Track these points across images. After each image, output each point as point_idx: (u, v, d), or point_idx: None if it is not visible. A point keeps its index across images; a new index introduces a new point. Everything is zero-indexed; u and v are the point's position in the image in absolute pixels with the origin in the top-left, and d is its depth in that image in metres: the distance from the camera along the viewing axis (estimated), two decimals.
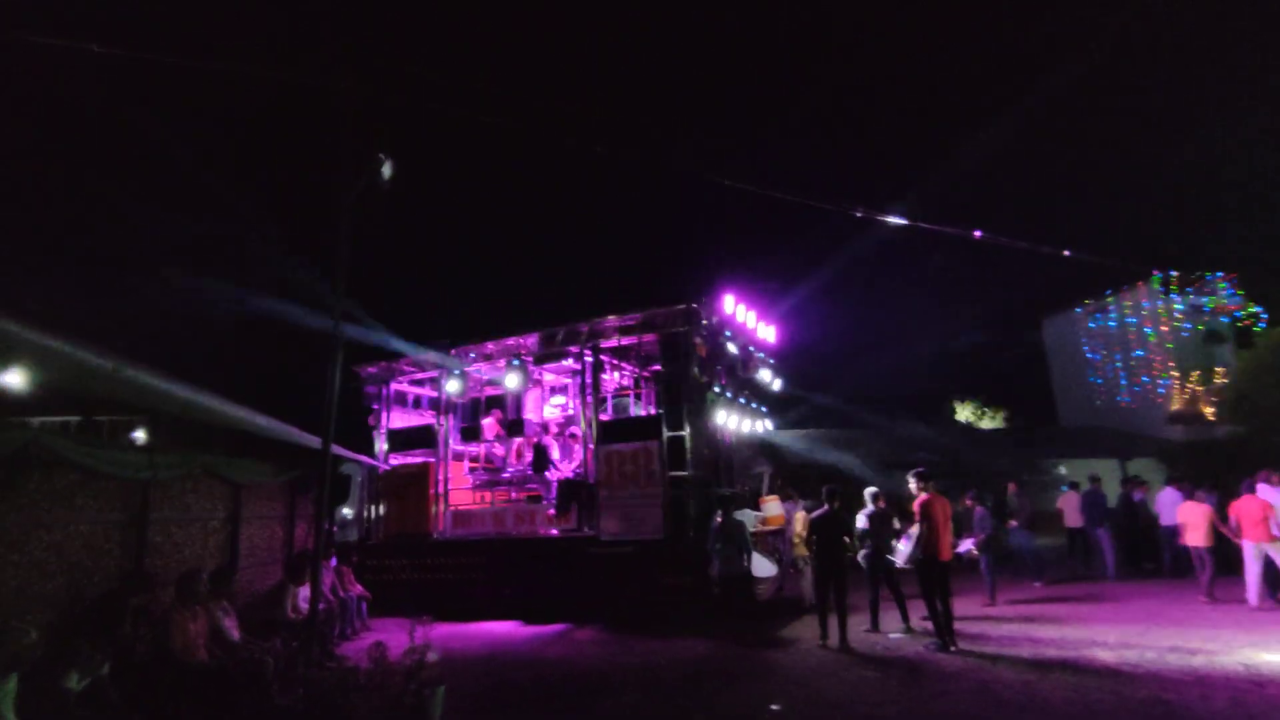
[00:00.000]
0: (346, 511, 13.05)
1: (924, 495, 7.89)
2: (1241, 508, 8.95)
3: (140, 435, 7.77)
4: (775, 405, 13.27)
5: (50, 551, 5.55)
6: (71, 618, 5.60)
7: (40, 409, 6.88)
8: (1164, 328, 28.43)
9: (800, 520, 10.13)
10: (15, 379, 6.28)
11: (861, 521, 8.63)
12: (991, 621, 8.76)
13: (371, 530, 12.65)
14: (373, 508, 12.77)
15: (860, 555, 8.64)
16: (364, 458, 12.54)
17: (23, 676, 4.29)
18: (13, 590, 5.15)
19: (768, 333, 12.61)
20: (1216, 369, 26.34)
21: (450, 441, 12.59)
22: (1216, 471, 14.23)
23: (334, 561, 9.96)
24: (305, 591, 7.77)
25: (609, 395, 11.98)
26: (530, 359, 11.92)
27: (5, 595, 5.08)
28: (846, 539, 8.19)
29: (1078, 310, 31.70)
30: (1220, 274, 28.48)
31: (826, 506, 8.13)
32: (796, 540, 10.20)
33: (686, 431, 10.28)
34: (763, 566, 10.12)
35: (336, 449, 9.72)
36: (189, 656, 5.84)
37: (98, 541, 6.11)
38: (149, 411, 7.50)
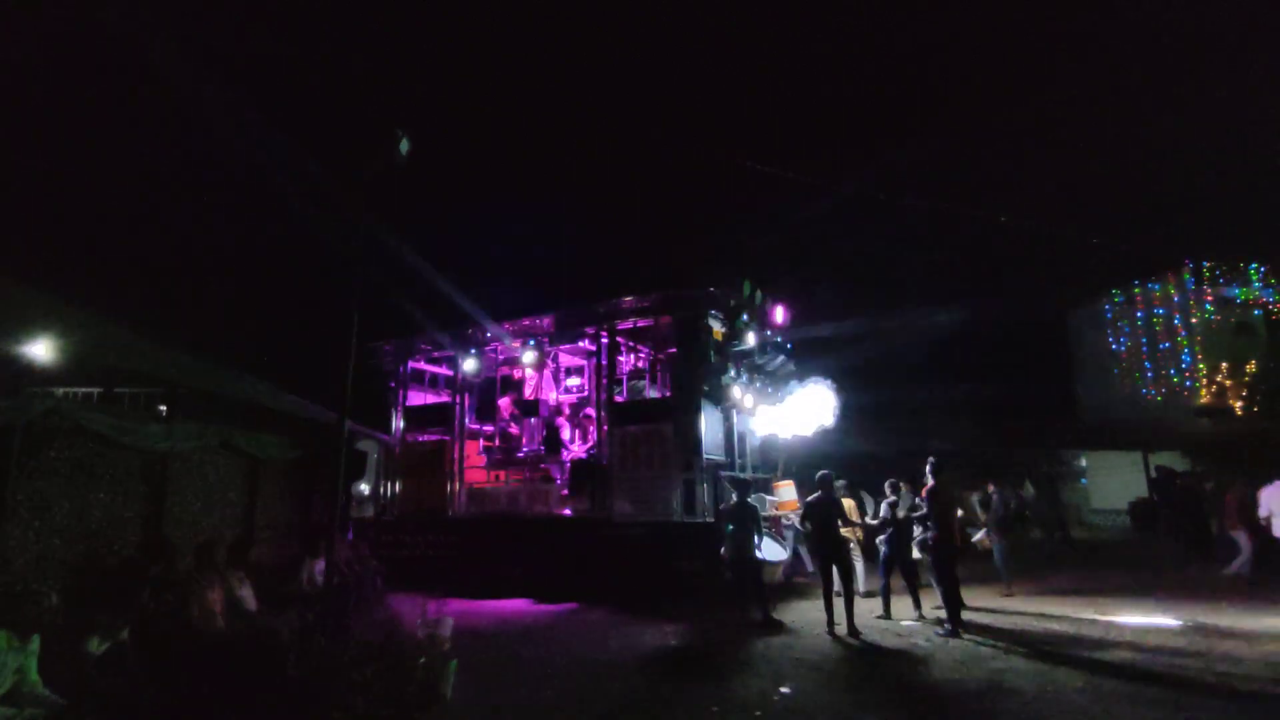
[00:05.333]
0: (363, 487, 13.20)
1: (931, 483, 7.94)
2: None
3: (160, 408, 7.88)
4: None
5: (71, 519, 5.66)
6: (92, 584, 5.71)
7: (62, 380, 6.99)
8: (1193, 319, 27.75)
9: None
10: (39, 350, 6.37)
11: (884, 510, 8.61)
12: (1005, 612, 8.67)
13: (387, 506, 12.80)
14: (389, 484, 12.92)
15: (879, 540, 8.63)
16: (381, 434, 12.66)
17: (44, 639, 4.38)
18: (35, 555, 5.26)
19: (785, 317, 12.48)
20: (1248, 362, 25.70)
21: (466, 420, 12.66)
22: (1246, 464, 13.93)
23: (350, 536, 10.08)
24: (321, 564, 7.86)
25: (624, 377, 11.94)
26: (546, 339, 11.92)
27: (28, 560, 5.19)
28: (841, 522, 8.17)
29: (1103, 300, 31.03)
30: (1254, 264, 27.69)
31: (820, 492, 8.10)
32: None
33: (701, 415, 10.23)
34: (774, 550, 10.09)
35: (353, 425, 9.82)
36: (206, 625, 5.94)
37: (117, 510, 6.22)
38: (169, 384, 7.58)
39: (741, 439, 12.33)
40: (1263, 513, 9.87)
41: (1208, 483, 13.27)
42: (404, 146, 7.51)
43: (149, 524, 6.59)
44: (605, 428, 10.89)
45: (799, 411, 11.78)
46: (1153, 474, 18.66)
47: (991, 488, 10.84)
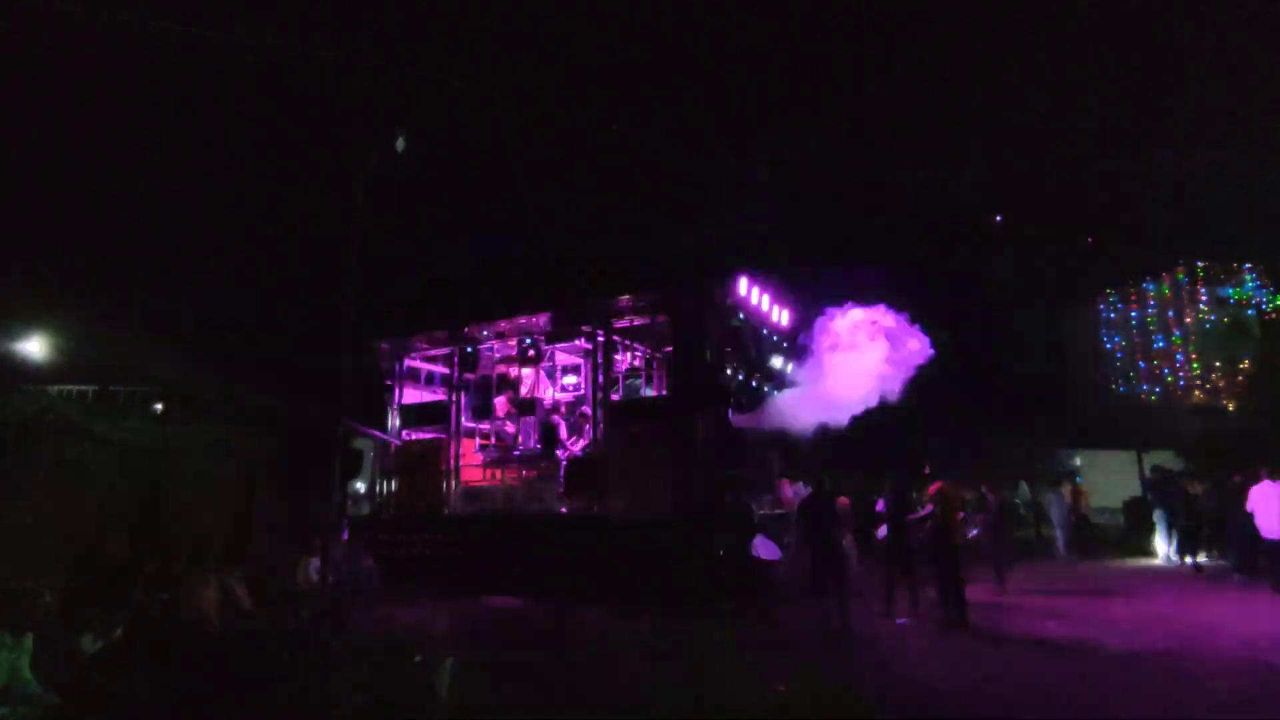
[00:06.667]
0: (359, 486, 13.18)
1: (938, 483, 7.97)
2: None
3: (156, 406, 7.85)
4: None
5: (65, 516, 5.64)
6: (86, 582, 5.69)
7: (57, 378, 6.96)
8: (1188, 319, 27.88)
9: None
10: (33, 347, 6.34)
11: (880, 505, 8.63)
12: (1001, 609, 8.70)
13: (383, 505, 12.77)
14: (385, 483, 12.88)
15: (880, 534, 8.66)
16: (376, 432, 12.63)
17: (38, 636, 4.37)
18: (28, 553, 5.24)
19: (782, 316, 12.49)
20: (1241, 362, 25.85)
21: (462, 419, 12.64)
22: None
23: (346, 534, 10.07)
24: (317, 563, 7.85)
25: (621, 376, 11.93)
26: (542, 338, 11.91)
27: (21, 557, 5.17)
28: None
29: (1098, 299, 31.15)
30: (1248, 265, 27.84)
31: (813, 490, 8.10)
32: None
33: (698, 414, 10.22)
34: (769, 549, 10.11)
35: (349, 423, 9.80)
36: (201, 623, 5.93)
37: (112, 508, 6.21)
38: (165, 383, 7.56)
39: (739, 437, 12.33)
40: (1249, 509, 9.94)
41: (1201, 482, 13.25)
42: (400, 144, 7.51)
43: (143, 522, 6.57)
44: (602, 426, 10.89)
45: (861, 362, 10.01)
46: (1147, 473, 18.72)
47: (985, 488, 10.90)
